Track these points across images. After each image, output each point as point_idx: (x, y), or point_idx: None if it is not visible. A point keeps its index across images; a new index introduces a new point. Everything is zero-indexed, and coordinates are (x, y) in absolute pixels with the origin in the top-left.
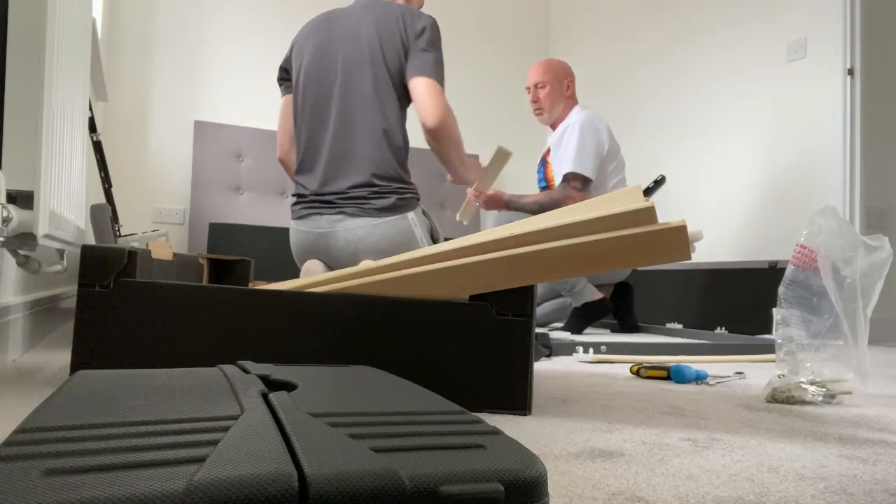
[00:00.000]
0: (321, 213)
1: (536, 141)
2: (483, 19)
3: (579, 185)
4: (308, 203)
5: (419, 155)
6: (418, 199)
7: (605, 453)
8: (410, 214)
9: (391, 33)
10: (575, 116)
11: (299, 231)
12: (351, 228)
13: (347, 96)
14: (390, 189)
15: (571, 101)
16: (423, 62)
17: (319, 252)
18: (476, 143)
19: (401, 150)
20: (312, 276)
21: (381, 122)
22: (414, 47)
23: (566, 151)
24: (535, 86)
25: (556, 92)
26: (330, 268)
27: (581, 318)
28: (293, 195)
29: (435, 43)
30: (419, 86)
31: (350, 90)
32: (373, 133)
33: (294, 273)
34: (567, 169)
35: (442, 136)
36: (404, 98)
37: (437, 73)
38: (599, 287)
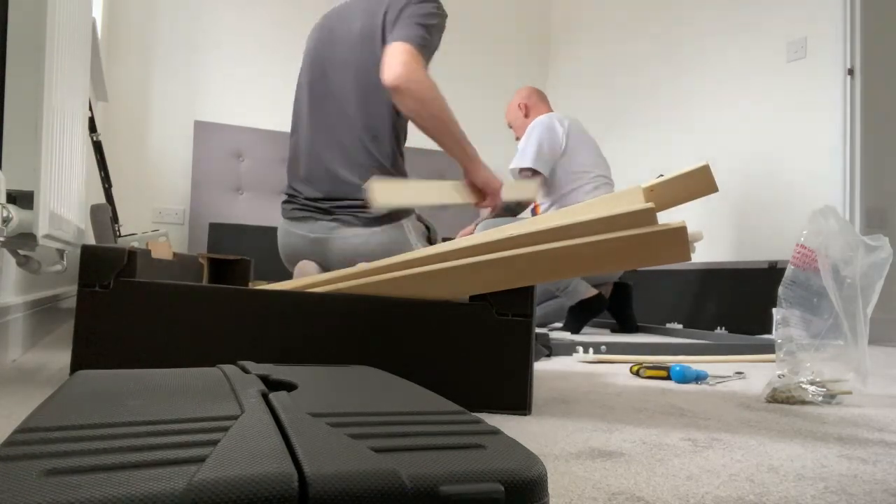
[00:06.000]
0: (316, 219)
1: None
2: (483, 18)
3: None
4: (301, 206)
5: (418, 155)
6: None
7: (605, 453)
8: (405, 222)
9: (374, 24)
10: (535, 121)
11: (292, 233)
12: (346, 237)
13: (334, 101)
14: None
15: (531, 117)
16: (400, 30)
17: (313, 256)
18: (475, 143)
19: (393, 153)
20: (308, 276)
21: (370, 126)
22: (394, 25)
23: (521, 150)
24: (510, 126)
25: (519, 123)
26: (324, 270)
27: (577, 316)
28: (285, 194)
29: (419, 14)
30: (388, 49)
31: (337, 94)
32: (362, 139)
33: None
34: (516, 165)
35: (405, 93)
36: None
37: (415, 39)
38: (597, 286)
